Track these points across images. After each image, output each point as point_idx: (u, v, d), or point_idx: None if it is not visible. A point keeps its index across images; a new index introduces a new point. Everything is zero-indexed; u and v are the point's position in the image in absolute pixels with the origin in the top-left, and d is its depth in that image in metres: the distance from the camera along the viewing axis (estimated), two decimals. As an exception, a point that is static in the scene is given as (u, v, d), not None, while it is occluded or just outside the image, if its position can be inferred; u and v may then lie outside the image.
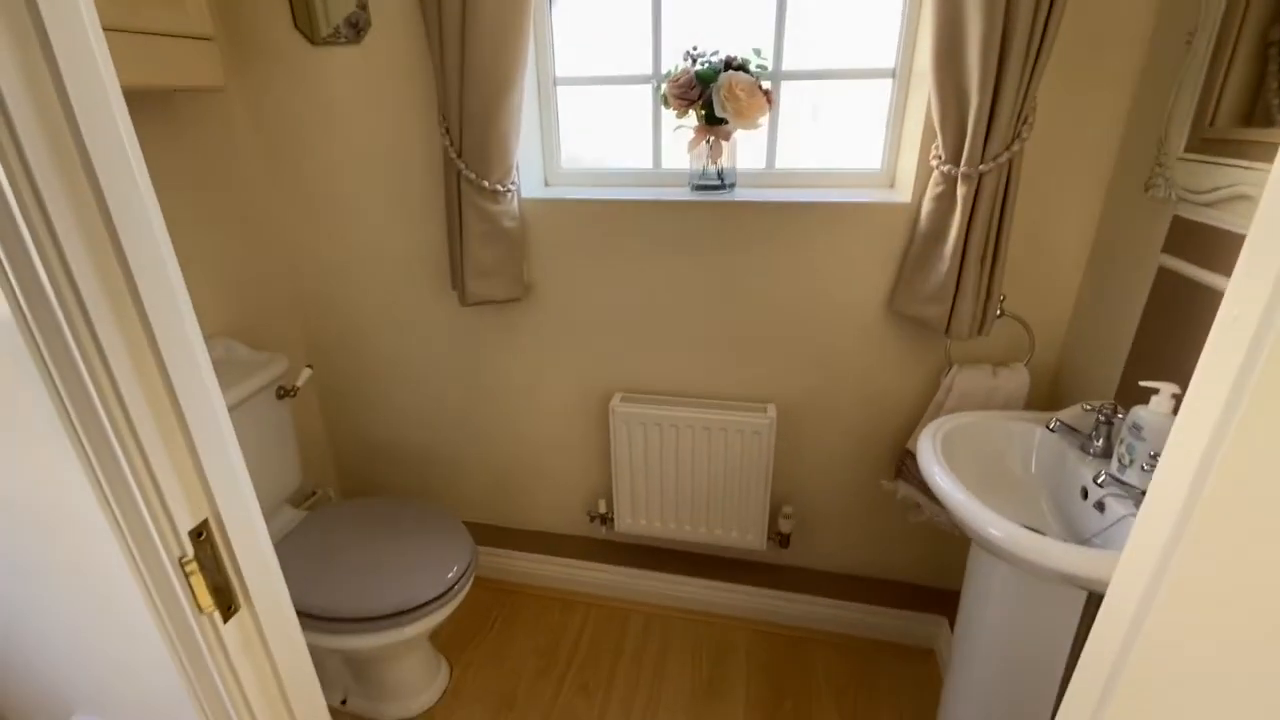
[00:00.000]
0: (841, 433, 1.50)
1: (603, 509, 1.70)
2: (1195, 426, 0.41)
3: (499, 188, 1.35)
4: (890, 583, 1.62)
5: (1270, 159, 0.82)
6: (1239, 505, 0.40)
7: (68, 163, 0.50)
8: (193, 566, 0.62)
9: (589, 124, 1.56)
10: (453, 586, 1.33)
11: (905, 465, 1.43)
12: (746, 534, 1.57)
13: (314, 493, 1.79)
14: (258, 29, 1.40)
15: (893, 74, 1.34)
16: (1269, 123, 0.88)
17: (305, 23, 1.38)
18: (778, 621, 1.71)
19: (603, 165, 1.57)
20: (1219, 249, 0.88)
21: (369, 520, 1.48)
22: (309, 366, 1.53)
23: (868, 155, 1.42)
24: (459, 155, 1.32)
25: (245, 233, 1.54)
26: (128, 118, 0.52)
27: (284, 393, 1.46)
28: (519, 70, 1.26)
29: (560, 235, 1.47)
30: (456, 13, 1.21)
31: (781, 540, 1.60)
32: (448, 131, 1.32)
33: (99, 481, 0.58)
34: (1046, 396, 1.35)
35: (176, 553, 0.61)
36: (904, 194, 1.30)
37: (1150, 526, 0.46)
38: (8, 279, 0.51)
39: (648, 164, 1.53)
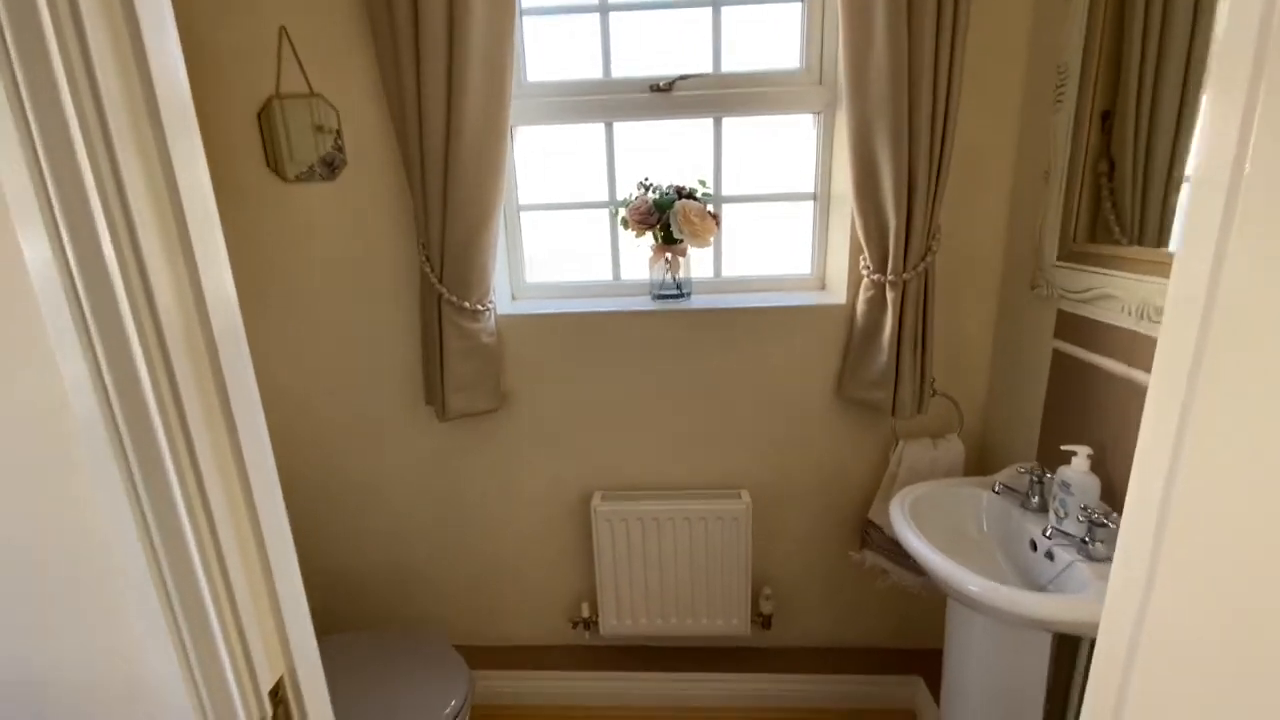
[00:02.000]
0: (809, 510, 1.62)
1: (586, 613, 1.69)
2: (1147, 483, 0.56)
3: (479, 307, 1.43)
4: (866, 650, 1.71)
5: (1116, 267, 1.08)
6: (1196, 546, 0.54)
7: (192, 331, 0.54)
8: (272, 729, 0.61)
9: (551, 242, 1.69)
10: (451, 720, 1.27)
11: (869, 535, 1.56)
12: (731, 620, 1.62)
13: (268, 635, 1.65)
14: (231, 170, 1.44)
15: (814, 197, 1.58)
16: (1108, 238, 1.15)
17: (275, 164, 1.44)
18: (765, 705, 1.73)
19: (564, 279, 1.69)
20: (1098, 336, 1.11)
21: (353, 658, 1.39)
22: (275, 497, 1.46)
23: (797, 261, 1.64)
24: (440, 280, 1.40)
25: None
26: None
27: (251, 528, 1.38)
28: (498, 200, 1.38)
29: (533, 346, 1.55)
30: (439, 152, 1.32)
31: (764, 622, 1.66)
32: (428, 259, 1.40)
33: (182, 639, 0.57)
34: (976, 462, 1.55)
35: (256, 715, 0.60)
36: (837, 296, 1.51)
37: (1126, 573, 0.59)
38: (119, 433, 0.52)
39: (607, 276, 1.67)
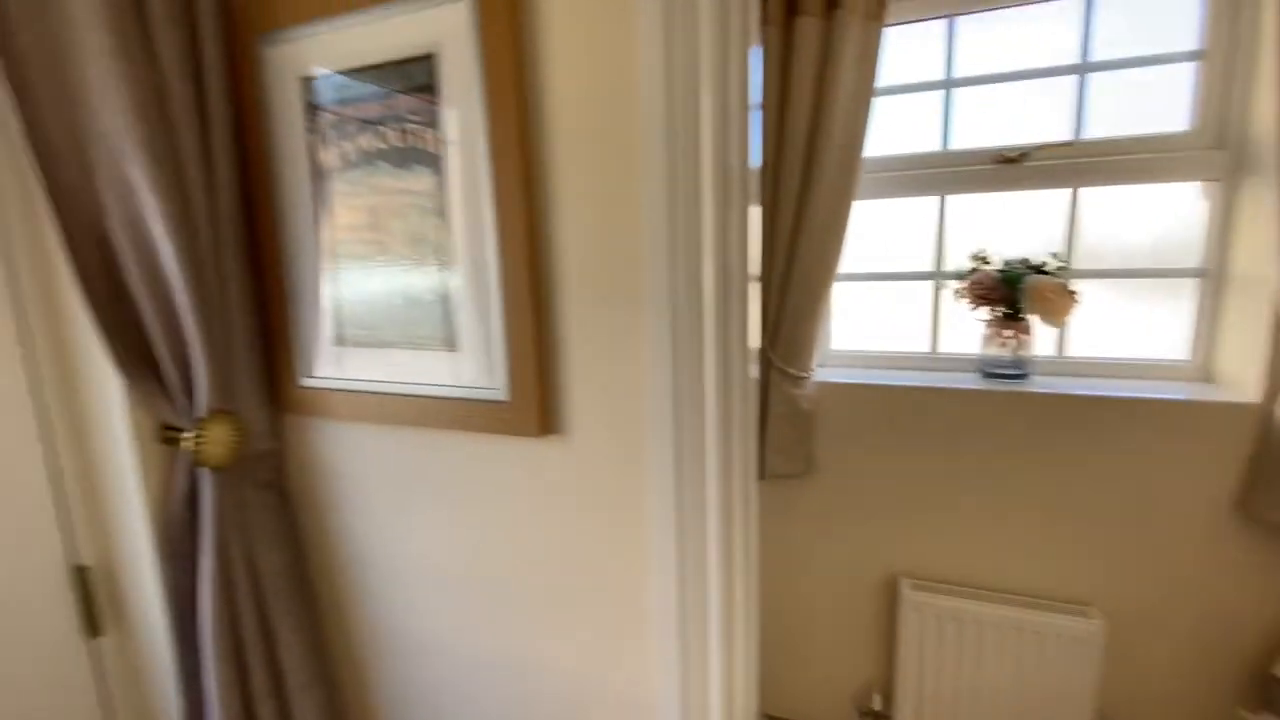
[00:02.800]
0: (1178, 647, 1.34)
1: (878, 705, 1.58)
2: None
3: (803, 374, 1.47)
4: (1255, 845, 1.33)
5: None
6: None
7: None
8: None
9: (854, 309, 1.68)
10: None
11: (1273, 695, 1.24)
12: (1062, 758, 1.39)
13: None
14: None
15: (1201, 274, 1.36)
16: None
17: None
18: None
19: (873, 348, 1.66)
20: None
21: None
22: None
23: (1164, 344, 1.41)
24: (772, 347, 1.46)
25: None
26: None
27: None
28: (835, 272, 1.42)
29: (844, 415, 1.53)
30: (789, 225, 1.40)
31: (1105, 771, 1.39)
32: (763, 326, 1.47)
33: (687, 665, 0.64)
34: None
35: (737, 759, 0.65)
36: (1238, 392, 1.27)
37: None
38: (679, 470, 0.61)
39: (922, 348, 1.61)
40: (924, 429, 1.48)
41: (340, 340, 0.82)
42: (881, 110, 1.56)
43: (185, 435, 0.81)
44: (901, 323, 1.65)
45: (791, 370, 1.46)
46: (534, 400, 0.67)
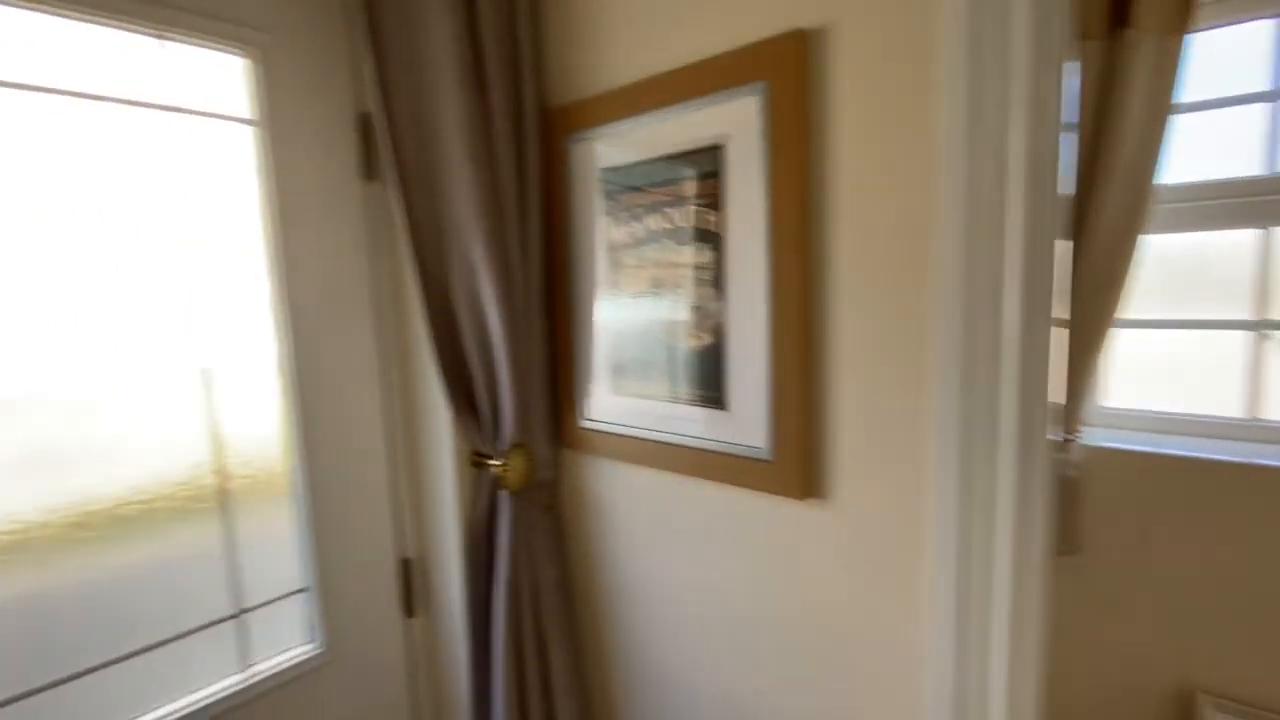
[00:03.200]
0: None
1: (1165, 843, 1.30)
2: None
3: (1070, 435, 1.29)
4: None
5: None
6: None
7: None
8: None
9: (1140, 362, 1.44)
10: None
11: None
12: None
13: None
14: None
15: None
16: None
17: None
18: None
19: (1157, 407, 1.40)
20: None
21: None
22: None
23: None
24: (1030, 402, 1.32)
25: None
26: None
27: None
28: (1115, 313, 1.24)
29: (1120, 487, 1.31)
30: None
31: None
32: (1018, 378, 1.33)
33: None
34: None
35: None
36: None
37: None
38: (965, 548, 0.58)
39: (1233, 411, 1.32)
40: (1238, 513, 1.21)
41: (616, 390, 0.93)
42: (1183, 129, 1.34)
43: (493, 462, 0.99)
44: (1201, 380, 1.37)
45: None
46: (797, 463, 0.69)
